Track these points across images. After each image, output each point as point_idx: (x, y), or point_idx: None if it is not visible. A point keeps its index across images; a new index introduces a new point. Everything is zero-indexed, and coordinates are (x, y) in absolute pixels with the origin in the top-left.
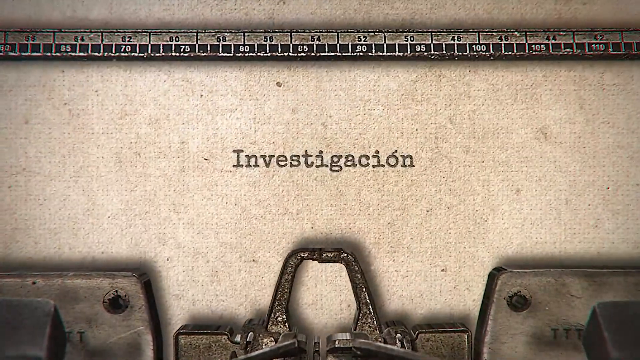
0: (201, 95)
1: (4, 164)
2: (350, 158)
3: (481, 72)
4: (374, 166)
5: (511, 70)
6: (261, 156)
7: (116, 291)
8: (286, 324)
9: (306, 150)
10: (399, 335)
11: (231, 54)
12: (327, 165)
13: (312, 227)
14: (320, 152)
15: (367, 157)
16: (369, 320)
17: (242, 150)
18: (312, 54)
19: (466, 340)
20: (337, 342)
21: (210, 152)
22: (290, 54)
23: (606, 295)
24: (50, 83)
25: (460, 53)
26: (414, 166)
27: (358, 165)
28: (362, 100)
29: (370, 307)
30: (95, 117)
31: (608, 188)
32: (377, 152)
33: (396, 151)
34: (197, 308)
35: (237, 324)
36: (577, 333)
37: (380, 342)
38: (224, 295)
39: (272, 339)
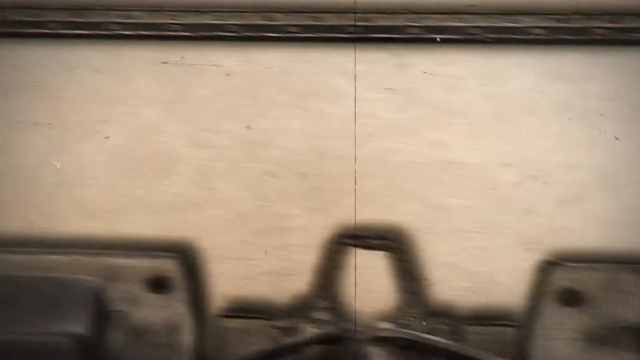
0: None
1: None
2: None
3: None
4: None
5: None
6: None
7: (159, 272)
8: (328, 311)
9: None
10: (443, 326)
11: None
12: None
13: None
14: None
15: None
16: (414, 310)
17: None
18: None
19: (513, 334)
20: (380, 331)
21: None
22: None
23: None
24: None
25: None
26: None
27: None
28: None
29: (416, 296)
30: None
31: None
32: None
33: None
34: (239, 292)
35: (278, 309)
36: (631, 332)
37: (424, 332)
38: (267, 280)
39: (314, 325)
